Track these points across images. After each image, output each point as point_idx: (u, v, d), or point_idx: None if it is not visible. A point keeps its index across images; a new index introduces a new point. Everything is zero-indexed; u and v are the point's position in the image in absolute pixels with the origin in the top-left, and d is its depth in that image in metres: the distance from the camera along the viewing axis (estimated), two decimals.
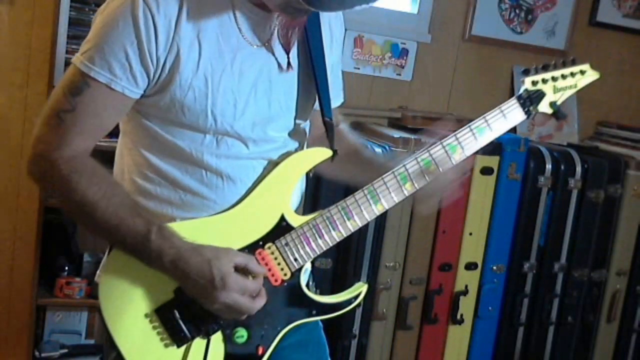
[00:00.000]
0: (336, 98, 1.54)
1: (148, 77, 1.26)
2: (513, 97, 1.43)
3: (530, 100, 1.43)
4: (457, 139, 1.40)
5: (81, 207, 1.26)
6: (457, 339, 2.87)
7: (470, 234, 2.79)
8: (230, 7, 1.29)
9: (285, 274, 1.35)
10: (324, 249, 1.38)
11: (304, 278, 1.39)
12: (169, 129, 1.31)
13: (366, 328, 2.71)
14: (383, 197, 1.38)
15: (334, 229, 1.37)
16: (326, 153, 1.40)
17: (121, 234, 1.27)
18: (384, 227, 2.65)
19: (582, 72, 1.48)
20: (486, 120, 1.41)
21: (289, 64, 1.36)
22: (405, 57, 3.14)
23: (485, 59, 3.32)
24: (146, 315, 1.32)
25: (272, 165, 1.38)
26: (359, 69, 3.07)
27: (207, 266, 1.26)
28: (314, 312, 1.39)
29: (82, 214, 1.28)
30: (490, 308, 2.88)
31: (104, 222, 1.26)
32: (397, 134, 2.73)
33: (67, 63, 2.59)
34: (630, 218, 3.04)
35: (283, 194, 1.37)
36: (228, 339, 1.34)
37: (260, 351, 1.35)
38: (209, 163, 1.33)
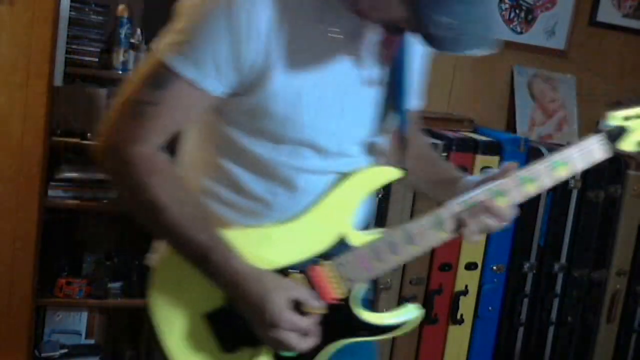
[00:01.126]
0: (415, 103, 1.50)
1: (236, 78, 1.20)
2: (598, 134, 1.36)
3: (614, 136, 1.36)
4: (530, 172, 1.34)
5: (150, 207, 1.21)
6: (457, 339, 2.87)
7: None
8: (325, 12, 1.22)
9: (337, 293, 1.31)
10: (382, 272, 1.33)
11: (356, 297, 1.34)
12: (246, 133, 1.27)
13: None
14: (447, 225, 1.32)
15: (394, 253, 1.32)
16: (394, 173, 1.35)
17: (184, 242, 1.23)
18: (384, 227, 2.65)
19: None
20: (567, 157, 1.36)
21: (376, 79, 1.31)
22: None
23: (485, 59, 3.31)
24: (196, 317, 1.30)
25: (340, 179, 1.34)
26: None
27: (262, 300, 1.23)
28: (361, 332, 1.34)
29: (149, 214, 1.23)
30: (490, 308, 2.88)
31: (170, 227, 1.22)
32: None
33: (67, 63, 2.60)
34: (630, 218, 3.04)
35: (346, 211, 1.33)
36: (275, 352, 1.30)
37: None
38: (282, 173, 1.28)
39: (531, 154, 2.86)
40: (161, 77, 1.19)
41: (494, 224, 1.33)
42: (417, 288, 2.77)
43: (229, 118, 1.27)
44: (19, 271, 2.73)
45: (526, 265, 2.91)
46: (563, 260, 2.96)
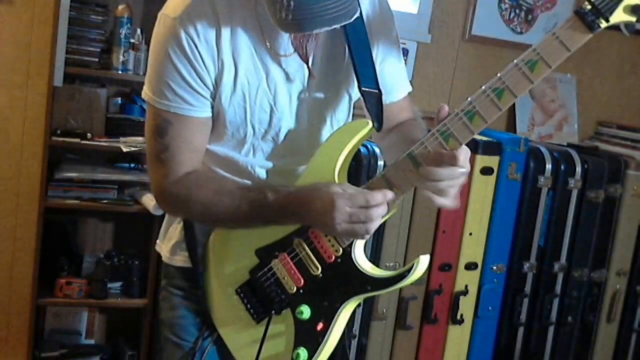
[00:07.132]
0: (400, 89, 1.56)
1: (211, 94, 1.36)
2: (570, 16, 1.19)
3: (598, 10, 1.16)
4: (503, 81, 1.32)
5: (206, 211, 1.39)
6: (457, 339, 2.87)
7: (470, 234, 2.79)
8: (257, 23, 1.36)
9: (336, 250, 1.36)
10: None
11: (359, 253, 1.37)
12: (215, 141, 1.43)
13: (366, 328, 2.71)
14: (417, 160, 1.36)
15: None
16: (368, 126, 1.39)
17: (243, 210, 1.36)
18: (384, 226, 2.65)
19: None
20: (539, 53, 1.32)
21: (310, 73, 1.40)
22: (405, 57, 3.13)
23: (485, 59, 3.32)
24: (230, 293, 1.46)
25: (324, 141, 1.44)
26: None
27: (319, 193, 1.30)
28: (369, 287, 1.37)
29: (210, 215, 1.40)
30: (490, 308, 2.88)
31: (228, 212, 1.37)
32: None
33: (67, 63, 2.60)
34: (630, 218, 3.03)
35: (333, 164, 1.38)
36: (294, 316, 1.39)
37: (320, 327, 1.37)
38: (252, 170, 1.44)
39: (531, 153, 2.86)
40: (161, 125, 1.37)
41: (446, 171, 1.31)
42: (417, 288, 2.77)
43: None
44: (19, 271, 2.74)
45: (526, 265, 2.91)
46: (563, 260, 2.96)
